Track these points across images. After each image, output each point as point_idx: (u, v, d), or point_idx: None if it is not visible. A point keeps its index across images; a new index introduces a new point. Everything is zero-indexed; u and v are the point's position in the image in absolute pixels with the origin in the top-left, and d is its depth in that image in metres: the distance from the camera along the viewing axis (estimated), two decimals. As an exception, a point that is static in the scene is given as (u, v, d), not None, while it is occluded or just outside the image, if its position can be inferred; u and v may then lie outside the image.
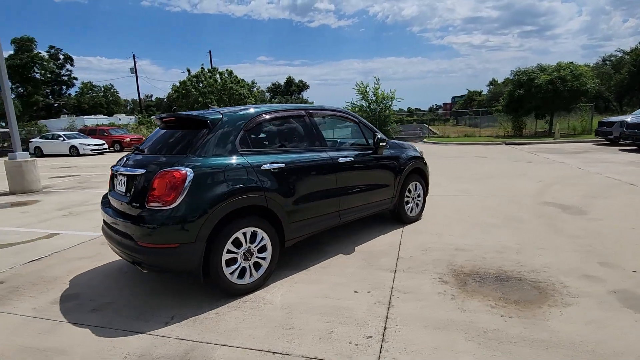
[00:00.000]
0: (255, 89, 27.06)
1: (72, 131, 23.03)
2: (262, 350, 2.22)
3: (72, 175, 11.48)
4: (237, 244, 2.87)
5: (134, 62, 38.97)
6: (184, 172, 2.65)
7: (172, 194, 2.59)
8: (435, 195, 6.29)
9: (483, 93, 63.64)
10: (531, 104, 18.29)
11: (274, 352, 2.20)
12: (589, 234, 4.05)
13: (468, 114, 44.69)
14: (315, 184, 3.48)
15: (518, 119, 19.98)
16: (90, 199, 7.37)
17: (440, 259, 3.54)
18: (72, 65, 41.24)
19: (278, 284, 3.14)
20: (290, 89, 66.73)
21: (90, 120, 28.70)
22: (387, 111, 22.68)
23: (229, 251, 2.81)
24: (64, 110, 38.30)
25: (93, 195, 7.78)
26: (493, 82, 61.92)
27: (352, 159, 3.82)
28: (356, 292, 2.95)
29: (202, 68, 24.04)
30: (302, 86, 68.38)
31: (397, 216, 4.63)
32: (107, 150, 20.91)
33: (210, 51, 37.81)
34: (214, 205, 2.68)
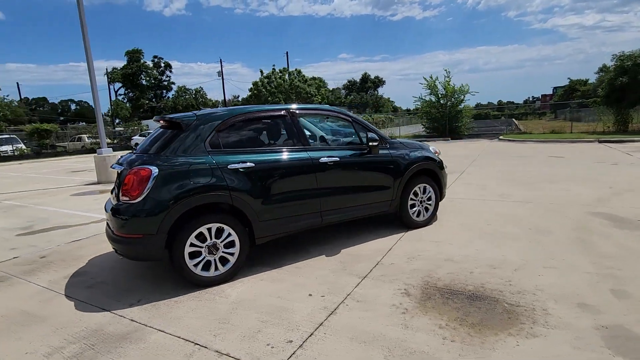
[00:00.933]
0: (323, 88, 27.53)
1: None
2: (186, 340, 2.36)
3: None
4: (202, 238, 3.06)
5: (221, 66, 42.92)
6: (148, 170, 2.92)
7: (138, 189, 2.88)
8: (468, 198, 5.77)
9: (590, 82, 54.75)
10: (637, 94, 15.23)
11: (195, 343, 2.32)
12: (626, 254, 3.32)
13: (570, 105, 39.20)
14: (291, 183, 3.49)
15: (621, 112, 16.83)
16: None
17: (421, 269, 3.27)
18: (170, 71, 47.58)
19: (245, 279, 3.26)
20: (366, 86, 66.22)
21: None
22: (461, 106, 21.12)
23: (192, 245, 3.02)
24: (163, 111, 44.06)
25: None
26: (603, 69, 52.68)
27: (337, 159, 3.73)
28: (310, 295, 2.91)
29: (273, 69, 25.38)
30: (378, 82, 67.30)
31: (401, 220, 4.38)
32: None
33: (287, 52, 39.57)
34: (175, 201, 2.91)
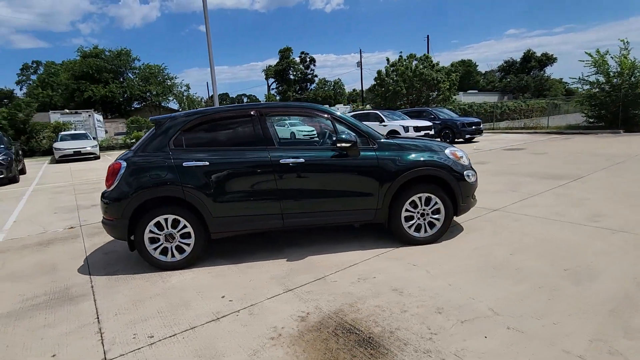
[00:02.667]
0: (455, 73, 24.70)
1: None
2: (97, 315, 2.77)
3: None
4: (160, 227, 3.44)
5: (360, 56, 43.91)
6: (119, 164, 3.45)
7: (111, 179, 3.45)
8: (534, 216, 4.50)
9: None
10: None
11: (96, 318, 2.71)
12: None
13: None
14: (247, 183, 3.50)
15: None
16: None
17: (354, 294, 2.81)
18: (314, 65, 51.59)
19: (198, 269, 3.50)
20: (528, 66, 55.99)
21: (315, 110, 34.94)
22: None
23: (151, 231, 3.43)
24: (307, 102, 48.35)
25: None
26: None
27: (302, 160, 3.50)
28: (223, 297, 2.92)
29: (400, 56, 24.33)
30: (546, 60, 55.84)
31: (393, 233, 3.78)
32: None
33: (428, 36, 37.17)
34: (135, 192, 3.36)
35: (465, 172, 3.78)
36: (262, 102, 4.23)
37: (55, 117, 22.90)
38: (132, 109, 38.67)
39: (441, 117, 15.91)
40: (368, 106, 28.51)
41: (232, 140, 3.67)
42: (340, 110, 36.00)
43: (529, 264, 3.14)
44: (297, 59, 51.11)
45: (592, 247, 3.40)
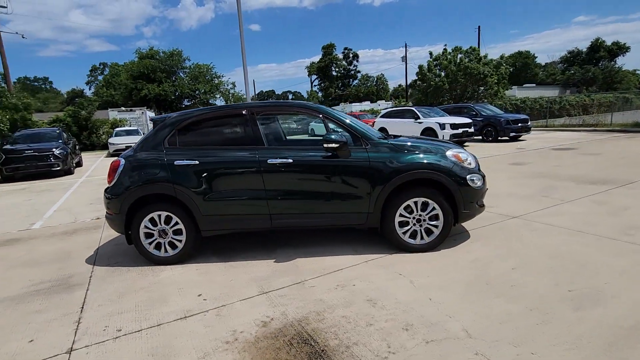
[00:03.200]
0: (504, 66, 22.90)
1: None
2: (83, 304, 2.94)
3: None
4: (154, 222, 3.57)
5: (405, 50, 42.68)
6: (119, 161, 3.62)
7: (112, 176, 3.63)
8: (557, 226, 4.08)
9: None
10: None
11: (81, 307, 2.87)
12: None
13: None
14: (235, 183, 3.51)
15: None
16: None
17: (326, 301, 2.70)
18: (357, 61, 50.94)
19: (189, 265, 3.58)
20: (596, 56, 50.69)
21: (356, 107, 34.55)
22: None
23: (146, 227, 3.57)
24: (349, 98, 48.03)
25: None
26: None
27: (290, 161, 3.43)
28: (199, 295, 2.95)
29: (444, 49, 23.14)
30: (617, 49, 50.15)
31: (387, 239, 3.58)
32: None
33: (479, 27, 34.91)
34: (130, 188, 3.51)
35: (469, 176, 3.47)
36: (253, 102, 4.18)
37: (113, 114, 24.94)
38: (183, 106, 40.93)
39: (483, 114, 14.91)
40: (410, 103, 27.57)
41: (223, 139, 3.70)
42: (382, 106, 35.29)
43: (529, 280, 2.81)
44: (340, 55, 50.89)
45: (612, 266, 2.96)
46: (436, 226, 3.49)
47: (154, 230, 3.58)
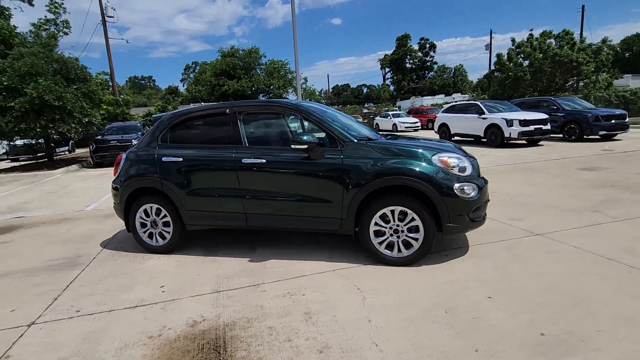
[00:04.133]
0: (605, 52, 19.21)
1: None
2: (69, 284, 3.31)
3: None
4: (147, 214, 3.85)
5: (490, 38, 38.98)
6: (120, 156, 3.97)
7: (116, 169, 4.00)
8: (580, 246, 3.37)
9: None
10: None
11: (64, 288, 3.23)
12: None
13: None
14: (213, 181, 3.58)
15: None
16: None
17: (263, 307, 2.61)
18: (434, 52, 47.76)
19: (173, 256, 3.78)
20: None
21: (428, 100, 32.70)
22: None
23: (141, 217, 3.87)
24: (423, 91, 45.62)
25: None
26: None
27: (263, 161, 3.37)
28: (162, 286, 3.10)
29: (530, 34, 20.42)
30: None
31: (363, 247, 3.32)
32: (420, 128, 23.59)
33: (583, 6, 29.84)
34: (126, 181, 3.82)
35: (457, 185, 3.03)
36: (237, 101, 4.13)
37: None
38: (259, 101, 43.46)
39: (566, 109, 12.87)
40: (485, 96, 25.10)
41: (207, 138, 3.79)
42: (457, 99, 32.81)
43: (499, 315, 2.35)
44: (416, 47, 48.41)
45: (621, 310, 2.32)
46: (416, 239, 3.13)
47: (147, 221, 3.86)
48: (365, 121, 30.34)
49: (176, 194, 3.65)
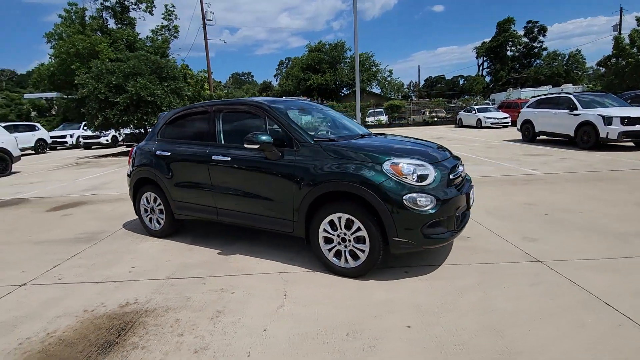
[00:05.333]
0: None
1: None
2: (67, 259, 3.92)
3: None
4: (148, 201, 4.31)
5: (620, 17, 32.48)
6: (133, 148, 4.49)
7: (129, 160, 4.55)
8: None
9: None
10: None
11: (61, 262, 3.84)
12: None
13: None
14: (191, 175, 3.81)
15: None
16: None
17: (190, 298, 2.73)
18: (543, 36, 41.04)
19: (165, 240, 4.16)
20: None
21: (527, 93, 28.75)
22: None
23: (143, 203, 4.35)
24: (527, 83, 40.01)
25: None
26: None
27: (228, 158, 3.47)
28: (133, 267, 3.46)
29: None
30: None
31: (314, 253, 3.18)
32: (510, 123, 20.98)
33: None
34: (134, 170, 4.32)
35: (407, 196, 2.69)
36: (219, 100, 4.02)
37: (276, 102, 29.19)
38: (342, 95, 43.74)
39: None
40: (599, 87, 20.95)
41: (193, 134, 4.01)
42: (570, 90, 28.04)
43: (398, 349, 2.05)
44: (521, 32, 42.52)
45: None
46: (363, 250, 2.88)
47: (148, 207, 4.32)
48: (449, 116, 28.20)
49: (165, 185, 4.01)
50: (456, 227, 2.93)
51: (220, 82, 71.30)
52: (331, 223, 2.98)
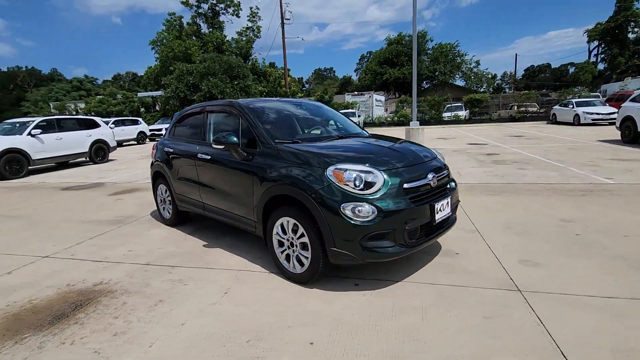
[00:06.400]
0: None
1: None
2: (86, 237, 4.56)
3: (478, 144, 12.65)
4: (162, 192, 4.77)
5: None
6: (154, 144, 4.99)
7: (151, 153, 5.07)
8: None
9: None
10: None
11: (76, 244, 4.48)
12: None
13: None
14: (185, 171, 4.10)
15: None
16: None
17: (151, 285, 2.98)
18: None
19: (171, 230, 4.57)
20: None
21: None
22: None
23: (159, 194, 4.84)
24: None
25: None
26: None
27: (208, 157, 3.65)
28: (130, 250, 3.89)
29: None
30: None
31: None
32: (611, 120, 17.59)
33: None
34: (152, 164, 4.82)
35: (344, 204, 2.51)
36: (211, 101, 3.81)
37: (348, 97, 29.15)
38: (422, 89, 41.63)
39: None
40: None
41: (191, 133, 4.28)
42: None
43: (284, 364, 1.96)
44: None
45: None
46: (307, 257, 2.79)
47: (162, 198, 4.80)
48: (542, 111, 24.75)
49: (170, 179, 4.40)
50: (410, 242, 2.64)
51: (301, 78, 73.96)
52: (282, 226, 2.95)
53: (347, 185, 2.57)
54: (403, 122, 27.15)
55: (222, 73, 15.89)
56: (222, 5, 31.21)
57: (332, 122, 4.14)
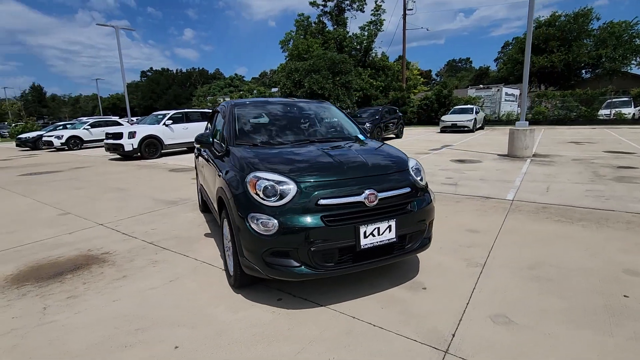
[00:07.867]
0: None
1: None
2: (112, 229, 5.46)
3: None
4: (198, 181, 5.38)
5: None
6: (200, 138, 5.63)
7: (201, 147, 5.72)
8: None
9: None
10: None
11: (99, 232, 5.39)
12: None
13: None
14: (201, 166, 4.49)
15: None
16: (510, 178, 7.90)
17: (140, 267, 3.47)
18: None
19: (198, 215, 5.12)
20: None
21: None
22: None
23: (199, 182, 5.46)
24: None
25: (545, 174, 7.83)
26: None
27: (205, 155, 3.93)
28: (154, 228, 4.55)
29: None
30: None
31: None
32: None
33: None
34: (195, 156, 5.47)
35: (250, 214, 2.41)
36: (228, 101, 3.41)
37: (471, 92, 26.16)
38: (579, 80, 34.06)
39: None
40: None
41: (214, 130, 4.63)
42: None
43: (129, 354, 2.05)
44: None
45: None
46: (230, 257, 2.79)
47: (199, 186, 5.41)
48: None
49: (198, 169, 4.92)
50: (323, 265, 2.35)
51: (430, 71, 69.60)
52: (227, 226, 3.00)
53: (258, 194, 2.44)
54: (539, 120, 22.94)
55: (326, 69, 16.43)
56: (347, 2, 31.87)
57: (323, 124, 3.90)
